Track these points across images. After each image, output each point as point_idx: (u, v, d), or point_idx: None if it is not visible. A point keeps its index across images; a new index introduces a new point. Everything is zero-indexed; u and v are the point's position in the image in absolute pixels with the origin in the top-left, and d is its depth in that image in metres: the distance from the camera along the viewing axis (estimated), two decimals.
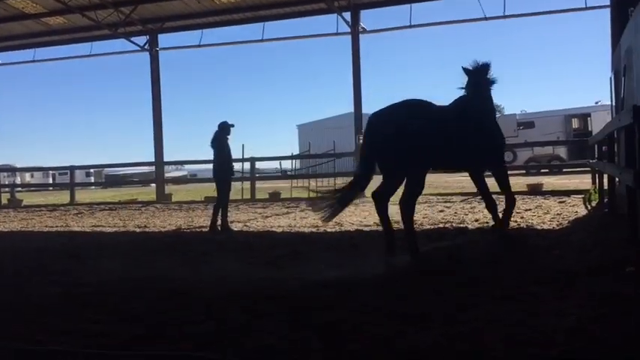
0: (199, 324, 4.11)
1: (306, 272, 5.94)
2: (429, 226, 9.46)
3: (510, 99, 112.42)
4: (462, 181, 22.40)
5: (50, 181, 43.45)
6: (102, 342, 3.74)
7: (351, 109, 19.12)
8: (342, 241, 8.24)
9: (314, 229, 9.86)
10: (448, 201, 14.28)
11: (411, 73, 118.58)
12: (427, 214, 11.17)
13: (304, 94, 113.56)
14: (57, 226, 12.73)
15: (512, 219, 9.47)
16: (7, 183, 31.93)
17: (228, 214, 10.95)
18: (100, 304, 4.88)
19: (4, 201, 21.92)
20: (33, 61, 22.50)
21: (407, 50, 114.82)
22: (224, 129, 10.70)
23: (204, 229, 10.86)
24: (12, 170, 36.54)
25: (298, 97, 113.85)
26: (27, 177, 47.13)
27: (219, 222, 10.54)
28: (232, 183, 11.44)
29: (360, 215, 11.71)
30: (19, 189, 31.62)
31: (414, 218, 10.41)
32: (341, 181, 19.27)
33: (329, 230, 9.63)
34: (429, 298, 4.58)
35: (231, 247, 8.14)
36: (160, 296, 5.13)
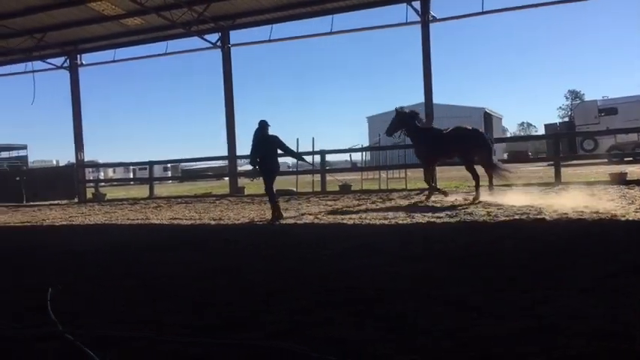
0: (272, 314, 4.19)
1: (378, 264, 5.93)
2: (504, 218, 9.21)
3: (591, 85, 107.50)
4: (539, 171, 21.65)
5: (131, 175, 45.27)
6: (181, 330, 3.88)
7: (421, 99, 18.85)
8: (413, 233, 8.16)
9: (385, 221, 9.81)
10: (524, 191, 13.81)
11: (483, 61, 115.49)
12: (502, 205, 10.86)
13: (373, 85, 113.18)
14: (138, 219, 13.29)
15: (593, 210, 9.14)
16: (91, 178, 33.63)
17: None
18: (177, 295, 5.06)
19: (89, 195, 23.09)
20: (113, 61, 23.47)
21: (478, 38, 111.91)
22: (264, 127, 11.18)
23: (276, 222, 11.02)
24: (96, 166, 38.34)
25: (368, 89, 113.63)
26: (110, 172, 49.40)
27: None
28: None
29: (432, 207, 11.55)
30: (103, 184, 33.17)
31: (489, 210, 10.23)
32: (411, 173, 19.17)
33: (400, 222, 9.56)
34: (503, 290, 4.47)
35: (303, 240, 8.23)
36: (232, 287, 5.26)
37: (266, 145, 11.11)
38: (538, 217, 9.01)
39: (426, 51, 17.87)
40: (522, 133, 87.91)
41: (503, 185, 15.17)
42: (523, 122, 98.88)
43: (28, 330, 4.04)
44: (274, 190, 11.49)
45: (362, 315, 4.04)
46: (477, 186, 12.58)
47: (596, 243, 6.45)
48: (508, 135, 74.62)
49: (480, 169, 12.89)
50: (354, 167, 23.15)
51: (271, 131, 11.25)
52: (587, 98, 36.67)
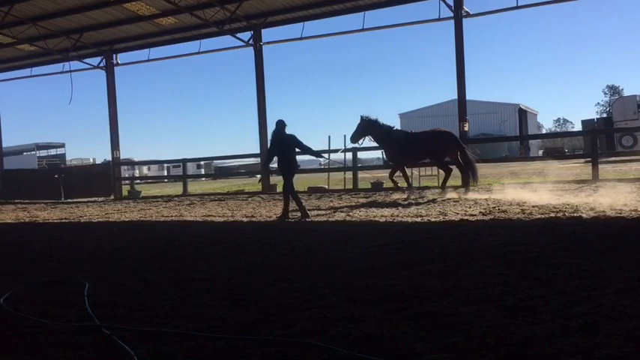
0: (304, 311, 4.21)
1: (410, 261, 5.90)
2: (539, 216, 9.06)
3: (631, 80, 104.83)
4: (575, 168, 21.21)
5: (165, 173, 46.00)
6: (214, 326, 3.93)
7: (454, 96, 18.67)
8: (446, 231, 8.09)
9: (417, 219, 9.75)
10: (561, 189, 13.58)
11: (518, 56, 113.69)
12: (536, 203, 10.68)
13: (406, 82, 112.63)
14: (172, 216, 13.48)
15: (632, 208, 8.92)
16: (127, 176, 34.26)
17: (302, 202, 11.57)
18: (210, 291, 5.12)
19: (125, 192, 23.52)
20: (148, 60, 23.88)
21: (513, 32, 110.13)
22: (281, 126, 11.34)
23: (308, 219, 11.05)
24: (131, 164, 39.00)
25: (400, 86, 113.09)
26: (144, 170, 50.21)
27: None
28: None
29: (465, 205, 11.43)
30: (138, 181, 33.75)
31: (523, 208, 10.08)
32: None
33: (433, 220, 9.49)
34: (539, 290, 4.40)
35: (335, 238, 8.23)
36: (266, 283, 5.30)
37: (283, 144, 11.23)
38: (574, 214, 8.83)
39: (459, 47, 17.67)
40: (558, 130, 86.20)
41: (540, 182, 14.94)
42: (559, 118, 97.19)
43: (66, 324, 4.15)
44: (294, 188, 11.63)
45: (395, 313, 4.02)
46: (445, 179, 14.07)
47: (635, 241, 6.29)
48: (543, 131, 73.33)
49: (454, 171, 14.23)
50: (386, 164, 23.03)
51: (293, 130, 11.45)
52: (626, 94, 35.70)
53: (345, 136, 19.77)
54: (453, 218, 9.52)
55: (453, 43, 17.74)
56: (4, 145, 28.51)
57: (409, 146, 13.99)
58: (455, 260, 5.83)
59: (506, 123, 50.99)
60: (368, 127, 14.16)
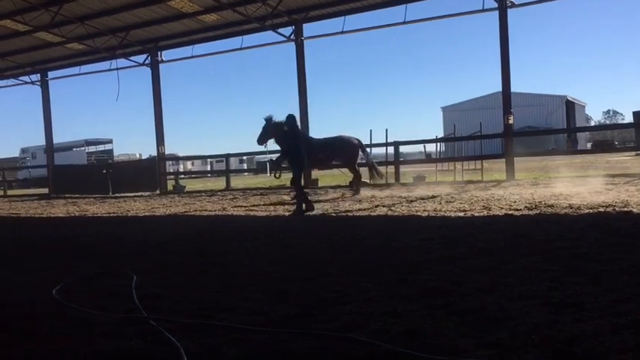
0: (345, 305, 4.21)
1: (453, 256, 5.84)
2: (587, 210, 8.82)
3: None
4: (625, 161, 20.56)
5: (208, 168, 46.61)
6: (257, 319, 3.97)
7: (497, 88, 18.33)
8: (490, 226, 7.96)
9: (460, 214, 9.63)
10: (610, 183, 13.18)
11: (564, 46, 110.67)
12: (585, 198, 10.41)
13: (448, 75, 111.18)
14: (215, 210, 13.68)
15: None
16: (171, 171, 34.90)
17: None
18: (253, 284, 5.18)
19: (170, 187, 23.97)
20: (191, 57, 24.23)
21: (560, 22, 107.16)
22: (293, 122, 11.69)
23: (349, 214, 11.05)
24: (176, 159, 39.65)
25: (442, 79, 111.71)
26: (188, 165, 51.04)
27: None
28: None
29: (510, 199, 11.22)
30: (182, 176, 34.33)
31: (572, 202, 9.83)
32: (487, 164, 18.70)
33: (476, 215, 9.36)
34: (587, 286, 4.29)
35: (375, 232, 8.21)
36: (308, 277, 5.32)
37: (297, 140, 11.30)
38: (624, 209, 8.57)
39: (504, 38, 17.32)
40: (608, 122, 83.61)
41: (588, 176, 14.55)
42: (609, 110, 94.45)
43: (114, 315, 4.26)
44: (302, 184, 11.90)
45: (438, 308, 3.99)
46: (358, 183, 15.18)
47: None
48: (592, 124, 71.31)
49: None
50: (428, 158, 22.84)
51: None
52: None
53: (386, 130, 19.68)
54: (497, 213, 9.37)
55: (497, 35, 17.41)
56: (54, 141, 29.42)
57: (313, 151, 14.15)
58: (499, 255, 5.73)
59: (553, 115, 49.73)
60: (272, 129, 14.00)
